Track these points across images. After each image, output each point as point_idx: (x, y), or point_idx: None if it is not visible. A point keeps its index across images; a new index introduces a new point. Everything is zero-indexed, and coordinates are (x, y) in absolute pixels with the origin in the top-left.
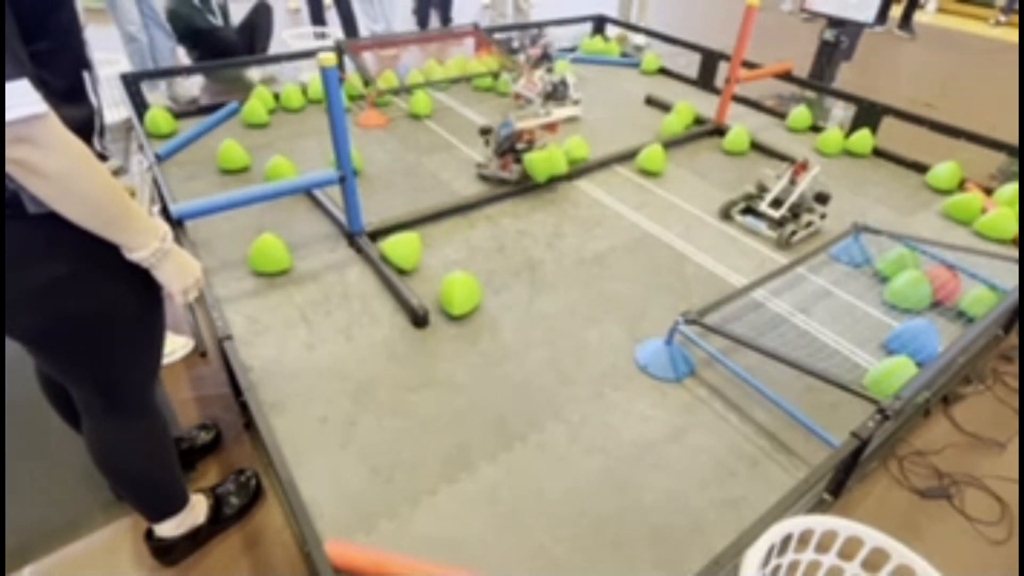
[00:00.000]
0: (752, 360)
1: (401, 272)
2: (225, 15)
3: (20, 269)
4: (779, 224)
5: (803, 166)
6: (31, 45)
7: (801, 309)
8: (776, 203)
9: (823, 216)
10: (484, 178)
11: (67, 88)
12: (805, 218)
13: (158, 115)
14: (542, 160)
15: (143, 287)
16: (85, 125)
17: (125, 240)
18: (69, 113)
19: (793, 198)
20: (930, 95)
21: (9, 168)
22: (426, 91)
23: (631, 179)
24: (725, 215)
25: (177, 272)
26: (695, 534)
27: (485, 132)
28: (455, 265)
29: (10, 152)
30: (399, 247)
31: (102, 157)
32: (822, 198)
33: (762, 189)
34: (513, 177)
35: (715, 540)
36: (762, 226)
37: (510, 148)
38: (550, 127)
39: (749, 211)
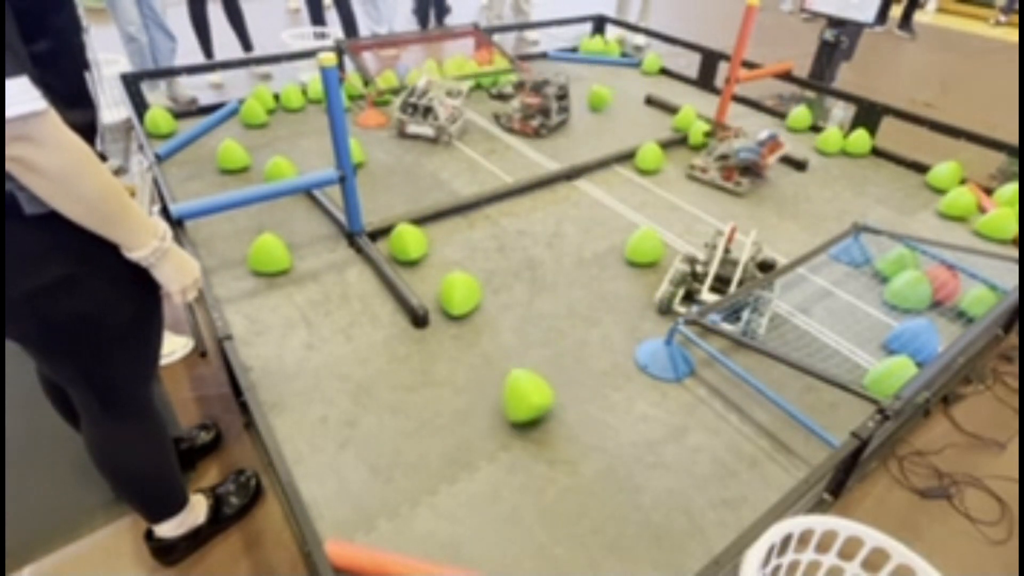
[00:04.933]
0: (752, 360)
1: (410, 263)
2: None
3: (17, 271)
4: (735, 315)
5: (734, 230)
6: (31, 46)
7: (801, 309)
8: (720, 282)
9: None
10: (694, 178)
11: (68, 89)
12: (761, 296)
13: (158, 115)
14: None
15: (141, 288)
16: (87, 126)
17: (124, 239)
18: (71, 114)
19: (738, 274)
20: (930, 95)
21: (8, 166)
22: None
23: (631, 179)
24: (665, 311)
25: (176, 272)
26: (695, 534)
27: (709, 136)
28: (455, 265)
29: (9, 150)
30: (399, 242)
31: (102, 157)
32: (766, 267)
33: (693, 262)
34: (740, 189)
35: (715, 540)
36: (716, 318)
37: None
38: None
39: (691, 298)
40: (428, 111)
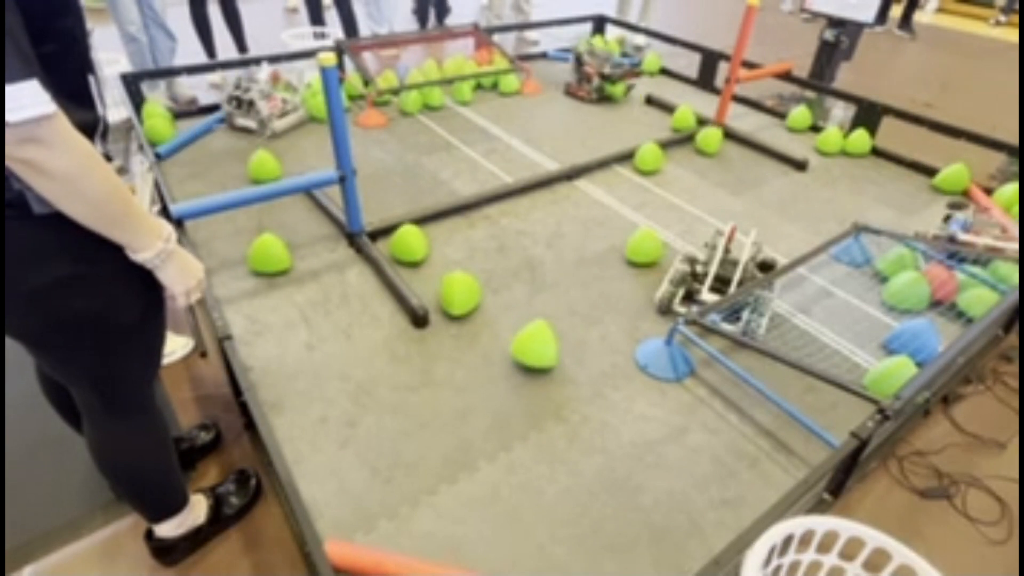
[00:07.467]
0: (752, 360)
1: (413, 264)
2: None
3: (24, 269)
4: (735, 316)
5: (734, 230)
6: (37, 48)
7: (801, 309)
8: (720, 282)
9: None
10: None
11: (72, 91)
12: (761, 296)
13: (157, 115)
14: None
15: (145, 288)
16: (89, 128)
17: (129, 240)
18: (74, 116)
19: (738, 274)
20: (930, 95)
21: (18, 168)
22: (421, 92)
23: (631, 179)
24: (665, 311)
25: (180, 273)
26: (695, 534)
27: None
28: (455, 265)
29: (19, 152)
30: (403, 243)
31: (107, 158)
32: (766, 267)
33: (693, 262)
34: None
35: (715, 540)
36: (716, 318)
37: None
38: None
39: (691, 298)
40: (251, 105)
